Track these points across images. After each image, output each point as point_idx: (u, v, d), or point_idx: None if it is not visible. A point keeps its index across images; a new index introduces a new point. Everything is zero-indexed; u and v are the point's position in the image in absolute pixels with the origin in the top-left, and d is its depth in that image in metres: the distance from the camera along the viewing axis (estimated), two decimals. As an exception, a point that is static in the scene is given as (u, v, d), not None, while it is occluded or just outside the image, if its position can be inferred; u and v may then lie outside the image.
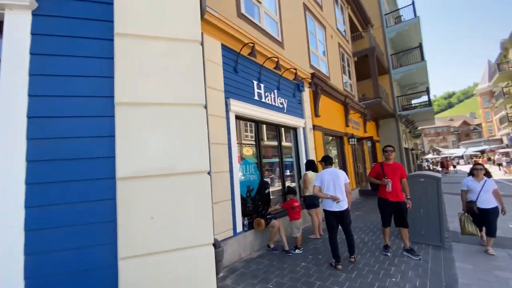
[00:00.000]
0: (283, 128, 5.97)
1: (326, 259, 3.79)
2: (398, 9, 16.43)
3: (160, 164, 1.74)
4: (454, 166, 24.58)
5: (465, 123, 61.31)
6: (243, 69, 4.74)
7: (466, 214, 3.94)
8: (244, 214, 4.34)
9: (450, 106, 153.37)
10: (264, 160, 5.26)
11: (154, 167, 1.73)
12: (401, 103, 15.25)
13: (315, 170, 5.05)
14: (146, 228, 1.66)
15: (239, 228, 4.07)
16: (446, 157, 31.66)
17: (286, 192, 4.53)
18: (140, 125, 1.74)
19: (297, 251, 4.13)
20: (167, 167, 1.75)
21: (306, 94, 6.90)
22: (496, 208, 3.76)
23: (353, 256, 3.59)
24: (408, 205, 3.65)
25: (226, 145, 4.02)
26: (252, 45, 4.58)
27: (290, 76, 6.15)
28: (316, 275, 3.29)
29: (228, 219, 3.87)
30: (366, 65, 12.71)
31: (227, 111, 4.20)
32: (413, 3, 14.99)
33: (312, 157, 6.49)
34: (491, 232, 3.73)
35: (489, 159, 28.73)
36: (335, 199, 3.42)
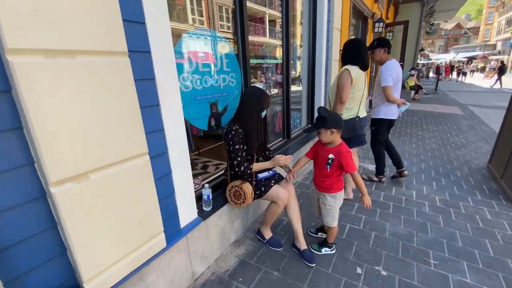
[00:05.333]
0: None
1: (402, 275, 1.60)
2: None
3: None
4: (462, 73, 19.27)
5: (458, 25, 56.33)
6: None
7: None
8: (197, 176, 1.76)
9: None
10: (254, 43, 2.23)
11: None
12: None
13: (364, 62, 2.22)
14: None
15: (187, 217, 1.52)
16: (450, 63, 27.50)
17: (316, 122, 1.70)
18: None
19: (325, 250, 1.87)
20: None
21: None
22: None
23: (403, 169, 2.79)
24: None
25: None
26: None
27: None
28: None
29: (151, 209, 1.23)
30: None
31: None
32: None
33: (336, 43, 3.51)
34: None
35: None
36: (403, 103, 2.57)
